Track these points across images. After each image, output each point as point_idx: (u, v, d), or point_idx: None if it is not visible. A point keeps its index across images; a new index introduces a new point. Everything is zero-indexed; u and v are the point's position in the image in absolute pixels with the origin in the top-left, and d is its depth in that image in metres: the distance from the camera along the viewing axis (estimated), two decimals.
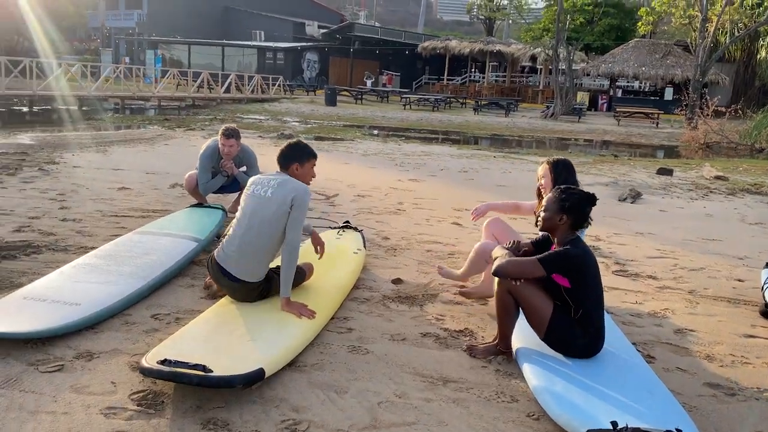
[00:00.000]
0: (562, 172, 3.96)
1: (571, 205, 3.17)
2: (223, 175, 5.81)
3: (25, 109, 19.90)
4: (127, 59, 43.41)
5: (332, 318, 3.78)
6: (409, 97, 31.61)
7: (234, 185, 6.08)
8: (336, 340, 3.50)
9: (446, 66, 42.28)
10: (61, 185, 7.30)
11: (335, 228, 5.35)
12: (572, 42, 32.35)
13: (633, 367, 3.17)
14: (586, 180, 9.86)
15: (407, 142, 16.14)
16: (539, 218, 3.28)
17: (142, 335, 3.35)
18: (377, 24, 50.87)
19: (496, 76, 44.25)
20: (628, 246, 6.08)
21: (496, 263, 3.19)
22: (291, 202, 3.49)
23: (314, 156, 3.74)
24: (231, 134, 5.66)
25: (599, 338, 3.17)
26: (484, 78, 43.63)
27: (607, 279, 4.93)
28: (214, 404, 2.72)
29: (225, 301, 3.65)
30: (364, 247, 4.99)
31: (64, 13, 44.80)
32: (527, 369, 3.09)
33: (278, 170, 3.69)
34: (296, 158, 3.66)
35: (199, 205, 5.81)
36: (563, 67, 30.37)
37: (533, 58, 38.39)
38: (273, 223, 3.52)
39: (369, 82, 39.25)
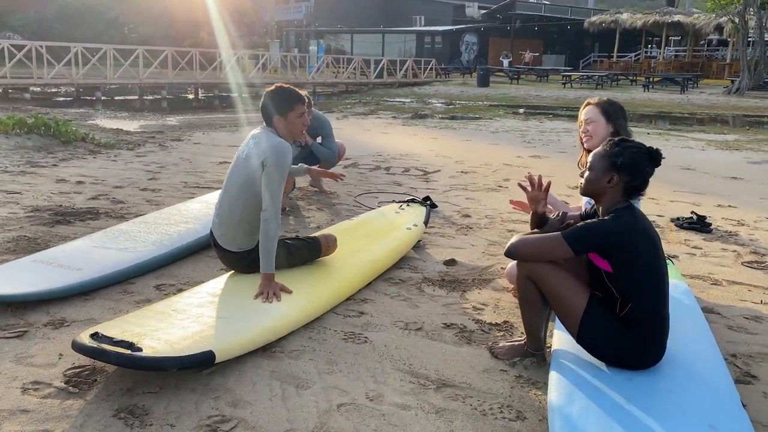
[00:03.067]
0: (618, 115, 3.06)
1: (627, 162, 2.33)
2: (296, 146, 5.47)
3: (190, 96, 21.48)
4: (295, 50, 45.67)
5: (350, 298, 3.26)
6: (569, 75, 29.57)
7: (312, 157, 5.74)
8: (337, 323, 2.97)
9: (616, 41, 39.01)
10: (168, 159, 7.49)
11: (399, 202, 4.77)
12: (765, 6, 28.08)
13: (707, 389, 2.27)
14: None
15: (552, 119, 14.88)
16: (582, 180, 2.47)
17: (131, 306, 3.08)
18: (542, 0, 48.29)
19: (676, 51, 39.98)
20: None
21: (510, 241, 2.45)
22: (263, 162, 3.00)
23: (299, 101, 3.15)
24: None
25: (656, 344, 2.31)
26: (661, 53, 39.65)
27: (732, 271, 3.88)
28: (147, 389, 2.33)
29: (225, 276, 3.27)
30: (425, 223, 4.36)
31: (244, 11, 48.26)
32: (554, 378, 2.33)
33: (263, 125, 3.21)
34: (276, 109, 3.13)
35: None
36: (753, 37, 26.48)
37: (719, 29, 34.01)
38: (246, 187, 3.06)
39: (506, 62, 37.21)
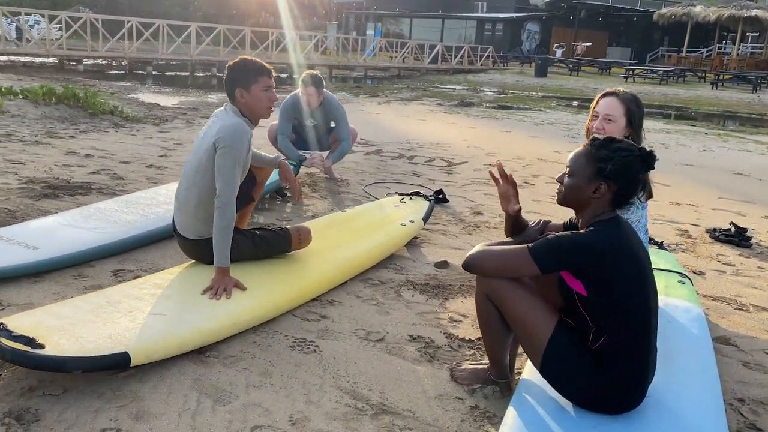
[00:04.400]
0: (640, 120, 2.64)
1: (617, 169, 1.93)
2: (300, 159, 5.11)
3: None
4: (354, 33, 45.40)
5: (316, 299, 2.96)
6: (633, 69, 28.28)
7: (324, 141, 5.44)
8: (291, 327, 2.67)
9: (687, 36, 37.08)
10: (189, 136, 7.34)
11: (402, 194, 4.42)
12: None
13: None
14: None
15: None
16: (559, 186, 2.07)
17: (77, 291, 2.87)
18: None
19: (752, 48, 37.73)
20: None
21: (471, 251, 2.08)
22: (215, 144, 2.72)
23: (262, 73, 2.82)
24: (309, 82, 5.00)
25: (633, 387, 1.92)
26: (735, 49, 37.49)
27: (764, 295, 3.39)
28: (51, 390, 2.10)
29: (185, 265, 3.01)
30: (425, 219, 4.01)
31: None
32: (510, 417, 1.98)
33: (227, 104, 2.92)
34: (237, 81, 2.82)
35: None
36: None
37: None
38: (198, 171, 2.79)
39: (559, 52, 35.75)
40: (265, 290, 2.78)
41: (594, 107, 2.76)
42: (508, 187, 2.23)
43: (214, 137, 2.74)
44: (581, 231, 1.94)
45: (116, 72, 18.16)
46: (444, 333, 2.72)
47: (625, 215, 2.59)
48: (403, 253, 3.73)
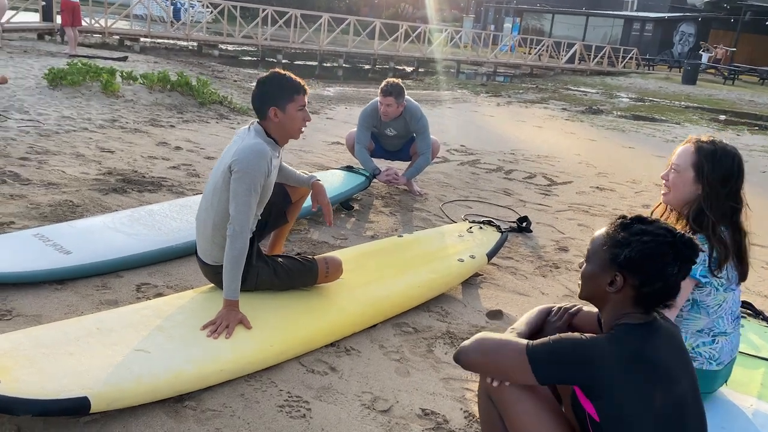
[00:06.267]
0: (721, 178, 2.07)
1: (634, 258, 1.49)
2: (374, 174, 4.80)
3: (367, 66, 21.58)
4: (492, 27, 44.35)
5: (333, 344, 2.64)
6: None
7: (405, 151, 5.10)
8: (291, 379, 2.37)
9: None
10: None
11: (472, 221, 3.98)
12: None
13: None
14: None
15: (755, 133, 12.52)
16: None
17: (91, 306, 2.74)
18: None
19: None
20: None
21: (469, 339, 1.66)
22: (230, 166, 2.46)
23: (298, 91, 2.56)
24: (389, 91, 4.65)
25: None
26: None
27: None
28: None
29: (206, 289, 2.80)
30: (491, 255, 3.55)
31: None
32: None
33: (254, 121, 2.65)
34: (271, 99, 2.55)
35: (350, 168, 4.98)
36: None
37: None
38: (215, 193, 2.55)
39: (705, 56, 32.22)
40: (272, 331, 2.50)
41: (669, 157, 2.24)
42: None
43: (230, 158, 2.50)
44: (595, 336, 1.46)
45: (249, 59, 18.86)
46: (465, 411, 2.30)
47: (699, 297, 2.05)
48: (456, 293, 3.31)
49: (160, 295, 2.90)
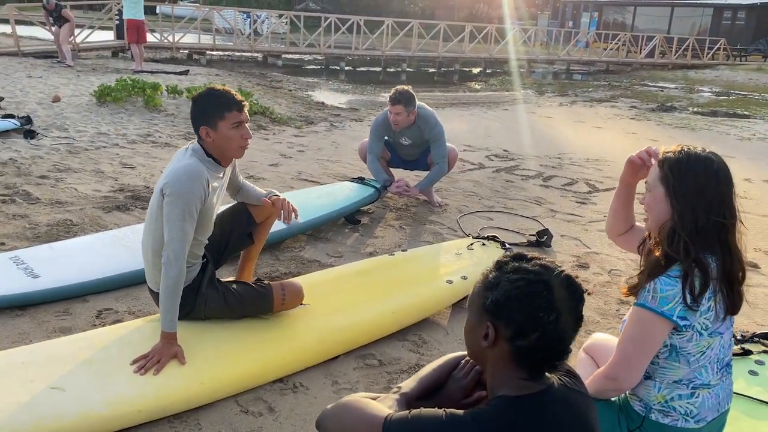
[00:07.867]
0: (693, 193, 1.70)
1: (499, 301, 1.21)
2: (385, 185, 4.58)
3: (431, 70, 21.24)
4: (570, 23, 42.91)
5: (280, 380, 2.42)
6: None
7: (422, 160, 4.82)
8: (219, 420, 2.17)
9: None
10: (319, 142, 7.14)
11: (476, 238, 3.65)
12: None
13: None
14: None
15: None
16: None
17: (42, 334, 2.66)
18: None
19: None
20: None
21: (334, 403, 1.39)
22: (162, 190, 2.30)
23: (229, 108, 2.35)
24: (396, 99, 4.40)
25: None
26: None
27: None
28: None
29: (151, 318, 2.66)
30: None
31: None
32: None
33: (193, 141, 2.47)
34: (201, 118, 2.37)
35: (361, 179, 4.75)
36: None
37: None
38: (152, 218, 2.40)
39: None
40: (207, 366, 2.31)
41: None
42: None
43: (163, 180, 2.34)
44: (459, 413, 1.17)
45: (313, 67, 19.00)
46: None
47: (678, 343, 1.69)
48: (441, 319, 3.01)
49: (118, 321, 2.78)
